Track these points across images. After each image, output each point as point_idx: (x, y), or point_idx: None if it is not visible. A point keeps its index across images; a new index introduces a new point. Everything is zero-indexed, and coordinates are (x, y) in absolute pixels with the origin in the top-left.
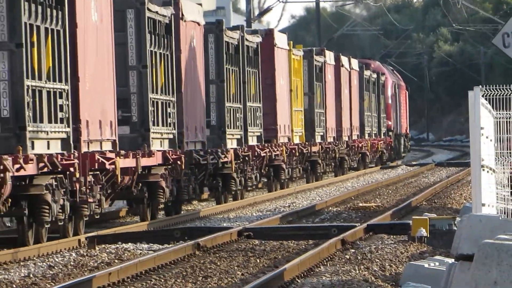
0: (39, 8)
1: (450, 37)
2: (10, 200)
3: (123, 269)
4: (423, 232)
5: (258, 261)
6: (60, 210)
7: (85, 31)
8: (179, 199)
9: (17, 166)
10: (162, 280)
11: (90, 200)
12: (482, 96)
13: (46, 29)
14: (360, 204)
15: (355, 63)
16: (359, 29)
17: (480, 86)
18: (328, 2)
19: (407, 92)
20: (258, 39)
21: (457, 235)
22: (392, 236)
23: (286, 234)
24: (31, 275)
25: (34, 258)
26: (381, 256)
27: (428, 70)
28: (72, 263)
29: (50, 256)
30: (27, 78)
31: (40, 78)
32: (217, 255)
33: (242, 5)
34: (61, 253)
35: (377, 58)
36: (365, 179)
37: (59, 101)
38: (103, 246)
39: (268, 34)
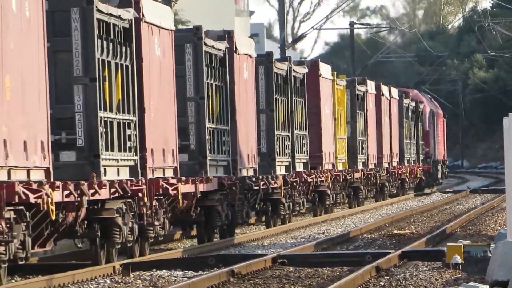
0: (110, 44)
1: (485, 64)
2: (85, 222)
3: None
4: (458, 258)
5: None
6: (129, 232)
7: (150, 66)
8: (233, 223)
9: (92, 191)
10: None
11: (156, 223)
12: None
13: (116, 64)
14: (395, 231)
15: (395, 91)
16: (393, 56)
17: None
18: (362, 29)
19: (444, 119)
20: (304, 70)
21: (491, 261)
22: (426, 262)
23: (320, 261)
24: None
25: (69, 285)
26: (416, 283)
27: (462, 97)
28: None
29: (85, 283)
30: (100, 110)
31: (111, 110)
32: (252, 282)
33: (276, 32)
34: (96, 280)
35: (411, 85)
36: (400, 206)
37: (128, 131)
38: (138, 273)
39: (313, 65)
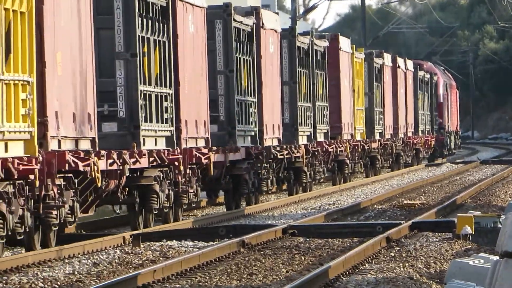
0: (149, 22)
1: (496, 35)
2: (126, 189)
3: (167, 267)
4: (468, 229)
5: (302, 258)
6: (166, 199)
7: (184, 41)
8: (259, 190)
9: (133, 159)
10: (207, 278)
11: (190, 190)
12: None
13: (155, 40)
14: (405, 202)
15: (410, 64)
16: (405, 27)
17: None
18: (373, 0)
19: (457, 91)
20: (325, 43)
21: (502, 232)
22: (436, 234)
23: (330, 232)
24: (75, 272)
25: (79, 255)
26: (426, 253)
27: (473, 68)
28: (116, 260)
29: (95, 254)
30: (140, 83)
31: (150, 84)
32: (262, 252)
33: (287, 3)
34: (106, 250)
35: (422, 56)
36: (410, 177)
37: (165, 104)
38: (148, 243)
39: (333, 39)
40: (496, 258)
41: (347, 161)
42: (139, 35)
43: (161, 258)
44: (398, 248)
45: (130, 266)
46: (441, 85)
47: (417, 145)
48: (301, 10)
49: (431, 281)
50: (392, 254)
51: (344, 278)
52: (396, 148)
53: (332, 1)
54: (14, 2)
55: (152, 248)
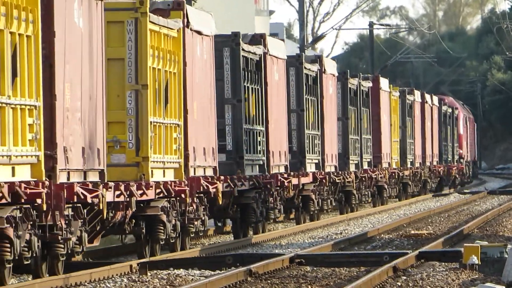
0: (249, 73)
1: (504, 65)
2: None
3: None
4: (475, 259)
5: (309, 287)
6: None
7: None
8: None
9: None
10: None
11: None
12: None
13: (252, 88)
14: (412, 232)
15: (435, 99)
16: (413, 57)
17: None
18: (382, 29)
19: (475, 124)
20: (369, 84)
21: (508, 262)
22: (443, 263)
23: (338, 261)
24: None
25: (86, 283)
26: (433, 283)
27: (481, 98)
28: None
29: (102, 282)
30: (244, 123)
31: (249, 123)
32: (269, 281)
33: (296, 32)
34: (113, 278)
35: (430, 86)
36: (417, 207)
37: (258, 138)
38: (155, 272)
39: (375, 80)
40: None
41: (386, 186)
42: (244, 85)
43: (168, 287)
44: (405, 278)
45: None
46: (461, 118)
47: (441, 173)
48: (310, 39)
49: None
50: (399, 284)
51: None
52: (424, 175)
53: (341, 30)
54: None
55: (159, 276)
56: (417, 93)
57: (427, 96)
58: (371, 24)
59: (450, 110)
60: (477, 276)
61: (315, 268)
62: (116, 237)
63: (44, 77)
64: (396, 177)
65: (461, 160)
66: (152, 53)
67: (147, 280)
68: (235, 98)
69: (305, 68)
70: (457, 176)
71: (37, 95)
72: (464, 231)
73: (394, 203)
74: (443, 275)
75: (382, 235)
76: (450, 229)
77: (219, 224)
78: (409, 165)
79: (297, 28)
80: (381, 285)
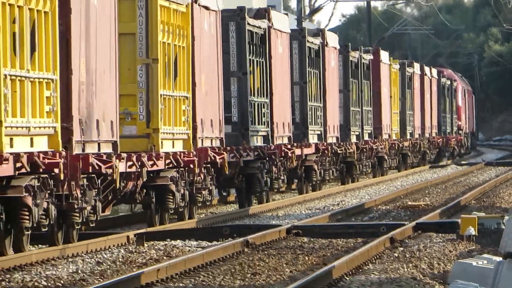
0: (254, 47)
1: (501, 37)
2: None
3: (171, 266)
4: (472, 230)
5: (306, 258)
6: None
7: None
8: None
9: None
10: (210, 277)
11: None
12: None
13: (257, 61)
14: (409, 203)
15: (434, 72)
16: (410, 29)
17: None
18: (379, 1)
19: (473, 96)
20: (370, 57)
21: (505, 233)
22: (440, 234)
23: (334, 232)
24: (79, 271)
25: (83, 254)
26: (430, 254)
27: (478, 70)
28: (120, 259)
29: (99, 253)
30: (249, 95)
31: (254, 95)
32: (266, 252)
33: (293, 3)
34: (110, 249)
35: (428, 58)
36: (414, 178)
37: (263, 110)
38: (152, 243)
39: (375, 52)
40: (499, 259)
41: (386, 157)
42: (249, 58)
43: (164, 257)
44: (402, 249)
45: (134, 265)
46: (460, 90)
47: (440, 144)
48: (307, 10)
49: (435, 282)
50: (396, 255)
51: (347, 278)
52: (423, 146)
53: (338, 2)
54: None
55: (156, 247)
56: (417, 66)
57: (426, 69)
58: None
59: (448, 82)
60: (474, 247)
61: (312, 239)
62: (122, 207)
63: (61, 52)
64: (396, 148)
65: (460, 132)
66: (162, 28)
67: (144, 251)
68: (240, 71)
69: (308, 41)
70: (456, 147)
71: (54, 69)
72: (461, 203)
73: (391, 175)
74: (440, 246)
75: (379, 206)
76: (447, 201)
77: (224, 193)
78: (408, 137)
79: (295, 0)
80: (378, 256)
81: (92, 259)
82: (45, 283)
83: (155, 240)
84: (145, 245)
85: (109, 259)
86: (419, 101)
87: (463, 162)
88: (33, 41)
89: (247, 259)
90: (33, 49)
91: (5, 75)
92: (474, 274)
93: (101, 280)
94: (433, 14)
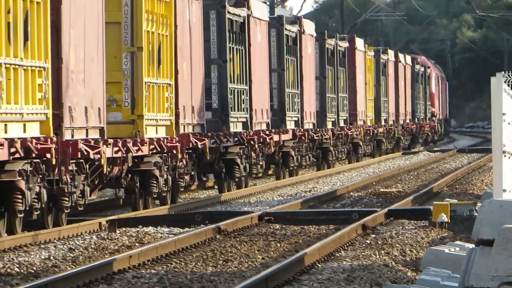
0: (234, 35)
1: (474, 24)
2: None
3: (143, 252)
4: (444, 217)
5: (278, 245)
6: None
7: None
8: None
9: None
10: (183, 264)
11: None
12: (505, 82)
13: (236, 48)
14: (381, 190)
15: (408, 58)
16: (383, 15)
17: (503, 72)
18: None
19: (446, 82)
20: (346, 44)
21: (477, 220)
22: (413, 221)
23: (306, 219)
24: (51, 258)
25: (55, 240)
26: (402, 241)
27: (451, 57)
28: (92, 246)
29: (71, 239)
30: (229, 82)
31: (233, 82)
32: (238, 239)
33: None
34: (82, 236)
35: (400, 44)
36: (386, 165)
37: (242, 97)
38: (124, 229)
39: (351, 40)
40: (471, 246)
41: (361, 143)
42: (229, 46)
43: (136, 244)
44: (374, 236)
45: (106, 252)
46: (433, 77)
47: (414, 130)
48: None
49: (407, 269)
50: (368, 242)
51: (319, 265)
52: (397, 133)
53: None
54: None
55: (128, 234)
56: (391, 53)
57: (401, 56)
58: None
59: (422, 69)
60: (446, 234)
61: (284, 226)
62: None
63: (52, 41)
64: (371, 134)
65: (433, 118)
66: (146, 17)
67: (116, 237)
68: (221, 58)
69: (285, 29)
70: (430, 133)
71: (45, 58)
72: (433, 189)
73: (363, 161)
74: (413, 233)
75: (351, 193)
76: (419, 187)
77: (204, 179)
78: (383, 123)
79: None
80: (350, 242)
81: (65, 246)
82: (18, 270)
83: (127, 227)
84: (117, 231)
85: (81, 245)
86: (394, 87)
87: (435, 148)
88: (26, 31)
89: (219, 245)
90: (26, 38)
91: (0, 64)
92: (446, 261)
93: (73, 266)
94: (405, 0)
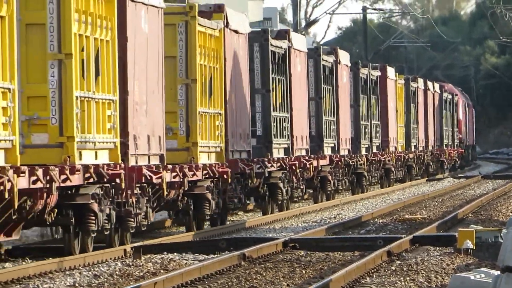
0: (276, 66)
1: (497, 50)
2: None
3: (168, 279)
4: (469, 244)
5: (303, 272)
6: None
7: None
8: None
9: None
10: None
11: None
12: None
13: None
14: (406, 216)
15: (437, 86)
16: (406, 41)
17: None
18: (375, 14)
19: (473, 110)
20: (378, 73)
21: (503, 247)
22: (438, 248)
23: (331, 246)
24: (76, 284)
25: (80, 267)
26: (427, 267)
27: (475, 83)
28: (117, 272)
29: (96, 266)
30: (272, 111)
31: (276, 110)
32: (263, 265)
33: (289, 16)
34: (107, 262)
35: (424, 70)
36: (411, 191)
37: (284, 124)
38: (149, 256)
39: (382, 69)
40: (497, 272)
41: (393, 168)
42: (272, 77)
43: (162, 271)
44: (399, 262)
45: (131, 279)
46: (461, 104)
47: (442, 156)
48: (303, 23)
49: None
50: (393, 268)
51: None
52: (427, 159)
53: (334, 15)
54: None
55: (153, 260)
56: (420, 81)
57: (429, 83)
58: (364, 9)
59: (450, 96)
60: (471, 260)
61: (309, 253)
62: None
63: (119, 75)
64: (402, 160)
65: (461, 144)
66: (199, 51)
67: (141, 264)
68: (264, 88)
69: (322, 59)
70: (457, 159)
71: (114, 91)
72: (458, 216)
73: (388, 188)
74: (438, 260)
75: (376, 220)
76: (444, 214)
77: (248, 202)
78: (413, 149)
79: (291, 13)
80: (375, 269)
81: (89, 272)
82: None
83: (152, 253)
84: (142, 258)
85: (106, 272)
86: (423, 114)
87: (460, 175)
88: (97, 66)
89: (244, 272)
90: (97, 73)
91: (76, 97)
92: None
93: None
94: (429, 27)
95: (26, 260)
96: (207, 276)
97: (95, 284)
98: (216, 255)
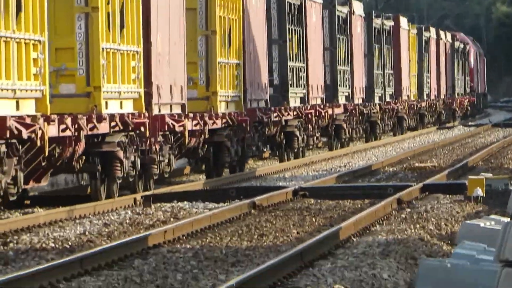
0: (292, 17)
1: None
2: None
3: (178, 227)
4: (479, 191)
5: (313, 220)
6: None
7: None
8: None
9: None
10: (218, 238)
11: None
12: None
13: (294, 29)
14: (416, 164)
15: (449, 36)
16: None
17: None
18: None
19: (484, 58)
20: (391, 23)
21: None
22: (448, 196)
23: (341, 194)
24: (86, 233)
25: (90, 216)
26: (437, 215)
27: (485, 32)
28: (127, 221)
29: (106, 214)
30: (289, 60)
31: (292, 60)
32: (273, 214)
33: None
34: (117, 211)
35: (434, 20)
36: (421, 140)
37: (300, 74)
38: (159, 204)
39: (395, 19)
40: (507, 220)
41: (405, 117)
42: (288, 28)
43: (171, 219)
44: (409, 210)
45: (141, 227)
46: (472, 53)
47: (454, 105)
48: None
49: (442, 243)
50: (403, 216)
51: (355, 239)
52: (439, 107)
53: None
54: None
55: (163, 209)
56: (433, 30)
57: (441, 33)
58: None
59: (462, 45)
60: (481, 208)
61: (318, 201)
62: None
63: (143, 27)
64: (415, 108)
65: (472, 93)
66: (219, 3)
67: (151, 212)
68: (281, 38)
69: (337, 10)
70: (469, 108)
71: (138, 43)
72: (468, 164)
73: (400, 136)
74: (448, 207)
75: (386, 168)
76: (454, 162)
77: (265, 149)
78: (425, 98)
79: None
80: (385, 217)
81: (100, 221)
82: (53, 245)
83: (162, 202)
84: (152, 207)
85: (116, 220)
86: (435, 64)
87: (470, 123)
88: (122, 19)
89: (254, 220)
90: (122, 26)
91: (102, 48)
92: (481, 235)
93: (108, 241)
94: None
95: (36, 209)
96: (217, 224)
97: (105, 232)
98: (226, 204)
